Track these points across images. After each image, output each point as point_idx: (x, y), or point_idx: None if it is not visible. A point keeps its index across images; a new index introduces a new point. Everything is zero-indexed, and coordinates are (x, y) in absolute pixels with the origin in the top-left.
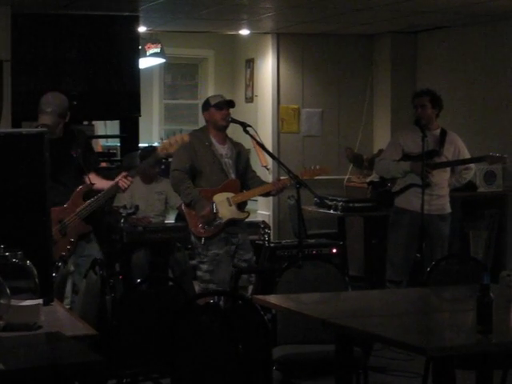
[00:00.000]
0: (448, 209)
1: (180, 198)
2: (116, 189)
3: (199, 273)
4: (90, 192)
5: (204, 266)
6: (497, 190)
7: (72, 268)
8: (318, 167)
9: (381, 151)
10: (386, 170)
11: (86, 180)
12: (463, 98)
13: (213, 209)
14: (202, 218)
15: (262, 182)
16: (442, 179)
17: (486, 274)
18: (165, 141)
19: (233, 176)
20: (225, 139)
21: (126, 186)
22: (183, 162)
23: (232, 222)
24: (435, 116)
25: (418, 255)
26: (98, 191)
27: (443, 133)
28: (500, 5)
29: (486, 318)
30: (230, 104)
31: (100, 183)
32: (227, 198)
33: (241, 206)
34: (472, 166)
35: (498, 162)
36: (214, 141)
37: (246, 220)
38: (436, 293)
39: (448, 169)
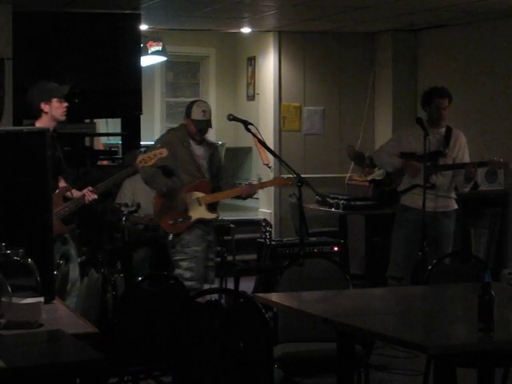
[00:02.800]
0: (452, 206)
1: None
2: (82, 201)
3: (178, 270)
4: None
5: (184, 264)
6: (498, 189)
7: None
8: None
9: None
10: (380, 161)
11: (61, 183)
12: (464, 97)
13: (186, 201)
14: (175, 208)
15: (234, 185)
16: (448, 181)
17: (487, 271)
18: (143, 154)
19: (207, 177)
20: (202, 140)
21: (90, 199)
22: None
23: (201, 222)
24: None
25: (420, 253)
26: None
27: (448, 130)
28: (501, 3)
29: (488, 316)
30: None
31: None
32: (197, 198)
33: (211, 206)
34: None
35: (500, 168)
36: (191, 142)
37: (247, 218)
38: (437, 291)
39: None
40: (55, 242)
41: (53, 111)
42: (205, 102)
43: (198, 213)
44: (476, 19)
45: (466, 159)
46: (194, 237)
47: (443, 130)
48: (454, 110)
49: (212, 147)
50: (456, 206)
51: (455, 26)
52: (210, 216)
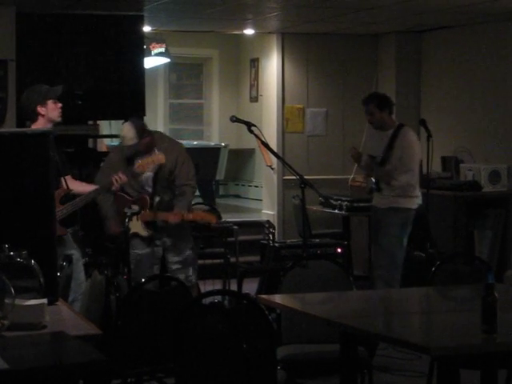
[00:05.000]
0: (401, 204)
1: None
2: (95, 194)
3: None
4: (68, 195)
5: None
6: (501, 190)
7: None
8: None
9: None
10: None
11: (63, 183)
12: (467, 98)
13: (121, 227)
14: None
15: (183, 207)
16: (390, 183)
17: (490, 273)
18: (143, 160)
19: (149, 190)
20: (150, 150)
21: (120, 182)
22: (103, 178)
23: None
24: (387, 115)
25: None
26: (76, 195)
27: (396, 131)
28: (504, 5)
29: (491, 317)
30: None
31: (77, 187)
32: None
33: (148, 222)
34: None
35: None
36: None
37: (250, 219)
38: (441, 292)
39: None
40: None
41: (49, 113)
42: (127, 125)
43: (134, 227)
44: (480, 21)
45: (410, 158)
46: (137, 241)
47: (390, 132)
48: (458, 111)
49: (165, 155)
50: (405, 205)
51: (459, 27)
52: (143, 233)
